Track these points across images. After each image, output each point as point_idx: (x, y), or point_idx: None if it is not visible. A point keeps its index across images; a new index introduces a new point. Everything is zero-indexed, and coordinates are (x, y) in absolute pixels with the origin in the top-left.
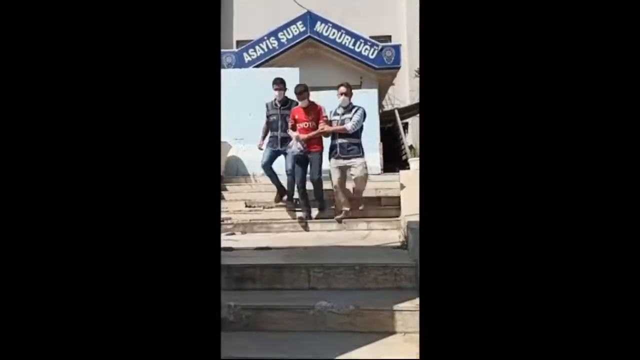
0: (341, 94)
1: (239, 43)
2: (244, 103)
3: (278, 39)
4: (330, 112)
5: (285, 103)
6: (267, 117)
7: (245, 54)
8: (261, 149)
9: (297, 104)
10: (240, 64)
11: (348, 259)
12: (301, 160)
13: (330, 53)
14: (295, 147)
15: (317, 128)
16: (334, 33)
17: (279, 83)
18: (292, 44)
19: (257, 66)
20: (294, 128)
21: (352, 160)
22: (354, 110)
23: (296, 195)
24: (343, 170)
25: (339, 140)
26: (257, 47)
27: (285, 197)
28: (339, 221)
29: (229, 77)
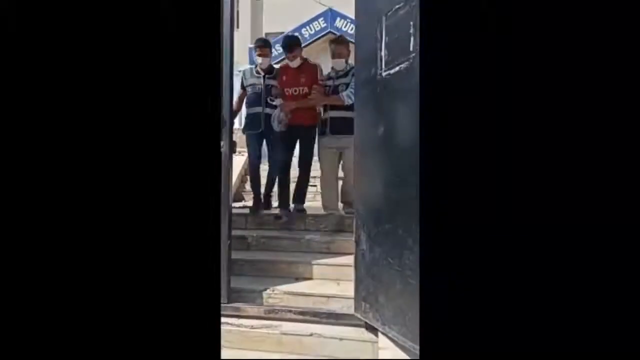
0: (334, 56)
1: (267, 35)
2: None
3: (301, 34)
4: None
5: (271, 71)
6: (243, 88)
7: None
8: None
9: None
10: None
11: (333, 213)
12: (284, 139)
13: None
14: (276, 120)
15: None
16: (352, 28)
17: (262, 46)
18: (314, 38)
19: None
20: (282, 96)
21: (347, 139)
22: (351, 74)
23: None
24: (335, 153)
25: (330, 114)
26: None
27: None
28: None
29: None
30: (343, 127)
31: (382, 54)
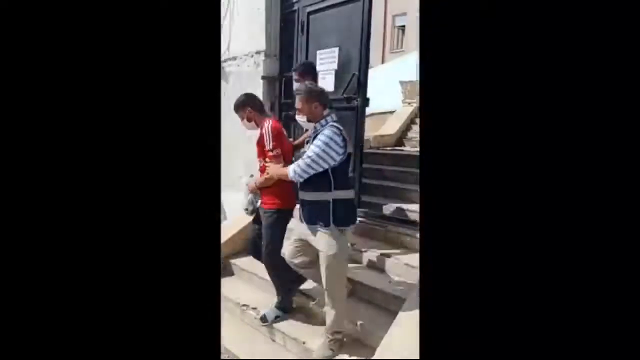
0: (297, 110)
1: (395, 18)
2: None
3: None
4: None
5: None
6: None
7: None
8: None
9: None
10: None
11: None
12: (260, 225)
13: None
14: (247, 201)
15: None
16: None
17: (302, 73)
18: None
19: None
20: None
21: (315, 230)
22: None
23: None
24: (305, 244)
25: (300, 194)
26: None
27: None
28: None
29: None
30: (309, 211)
31: None
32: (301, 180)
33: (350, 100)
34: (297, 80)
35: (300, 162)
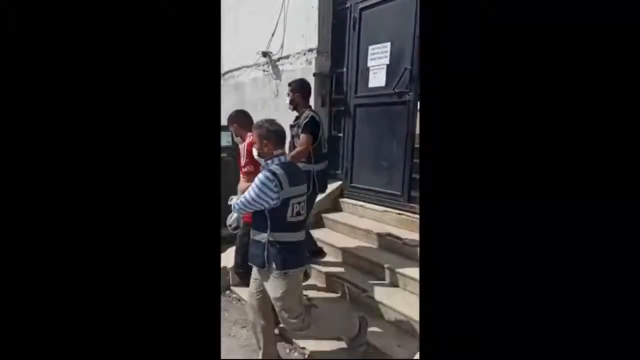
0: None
1: None
2: None
3: None
4: None
5: (297, 118)
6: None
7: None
8: None
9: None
10: None
11: None
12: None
13: None
14: (232, 218)
15: None
16: None
17: (293, 88)
18: None
19: None
20: None
21: (262, 273)
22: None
23: None
24: (262, 291)
25: None
26: None
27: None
28: None
29: None
30: (250, 251)
31: None
32: (239, 213)
33: (402, 95)
34: (287, 95)
35: (241, 196)
